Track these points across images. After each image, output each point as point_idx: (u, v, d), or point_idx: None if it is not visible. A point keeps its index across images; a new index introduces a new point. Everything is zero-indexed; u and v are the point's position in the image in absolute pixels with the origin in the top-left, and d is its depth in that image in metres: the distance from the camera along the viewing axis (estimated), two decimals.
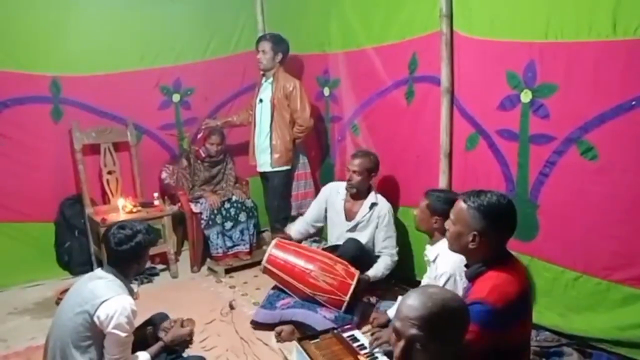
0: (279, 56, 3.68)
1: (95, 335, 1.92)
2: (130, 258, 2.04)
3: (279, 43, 3.67)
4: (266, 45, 3.66)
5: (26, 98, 3.54)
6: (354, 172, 3.05)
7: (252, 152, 3.87)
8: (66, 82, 3.66)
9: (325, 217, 3.35)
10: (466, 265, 1.74)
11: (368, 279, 2.94)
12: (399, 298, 2.65)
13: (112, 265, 2.04)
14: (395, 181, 3.36)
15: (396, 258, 3.09)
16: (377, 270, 2.99)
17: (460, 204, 1.68)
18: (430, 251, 2.42)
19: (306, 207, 3.76)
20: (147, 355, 2.10)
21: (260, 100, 3.76)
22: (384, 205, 3.11)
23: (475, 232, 1.62)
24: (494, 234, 1.63)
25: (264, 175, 3.88)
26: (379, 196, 3.15)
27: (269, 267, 2.90)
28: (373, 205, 3.10)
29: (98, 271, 2.06)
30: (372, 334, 2.32)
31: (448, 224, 1.74)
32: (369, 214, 3.10)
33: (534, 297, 2.51)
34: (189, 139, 4.15)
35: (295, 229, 3.37)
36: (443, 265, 2.25)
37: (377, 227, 3.09)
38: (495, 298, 1.54)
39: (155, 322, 2.33)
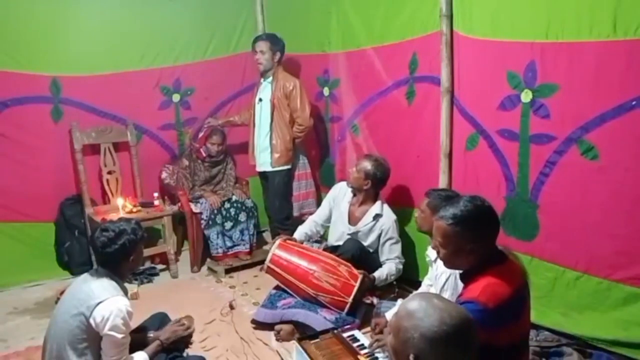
0: (277, 55, 3.67)
1: (91, 337, 1.91)
2: (119, 259, 2.01)
3: (276, 42, 3.67)
4: (264, 46, 3.65)
5: (26, 98, 3.54)
6: (355, 170, 3.06)
7: (251, 152, 3.87)
8: (66, 82, 3.65)
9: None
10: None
11: (373, 279, 2.93)
12: (399, 301, 2.66)
13: (103, 267, 2.03)
14: (395, 181, 3.34)
15: (401, 267, 3.07)
16: (382, 273, 2.98)
17: (442, 225, 1.64)
18: (432, 251, 2.41)
19: (308, 207, 3.75)
20: (145, 355, 2.10)
21: (260, 100, 3.75)
22: (388, 217, 3.06)
23: (470, 246, 1.60)
24: (485, 237, 1.64)
25: (263, 175, 3.88)
26: (385, 207, 3.09)
27: (272, 267, 2.90)
28: (377, 216, 3.05)
29: (92, 272, 2.04)
30: (374, 336, 2.31)
31: (436, 246, 1.71)
32: (372, 224, 3.06)
33: (534, 297, 2.49)
34: (190, 135, 4.14)
35: (302, 231, 3.29)
36: (443, 265, 2.25)
37: (379, 238, 3.06)
38: (487, 298, 1.53)
39: (150, 327, 2.32)
